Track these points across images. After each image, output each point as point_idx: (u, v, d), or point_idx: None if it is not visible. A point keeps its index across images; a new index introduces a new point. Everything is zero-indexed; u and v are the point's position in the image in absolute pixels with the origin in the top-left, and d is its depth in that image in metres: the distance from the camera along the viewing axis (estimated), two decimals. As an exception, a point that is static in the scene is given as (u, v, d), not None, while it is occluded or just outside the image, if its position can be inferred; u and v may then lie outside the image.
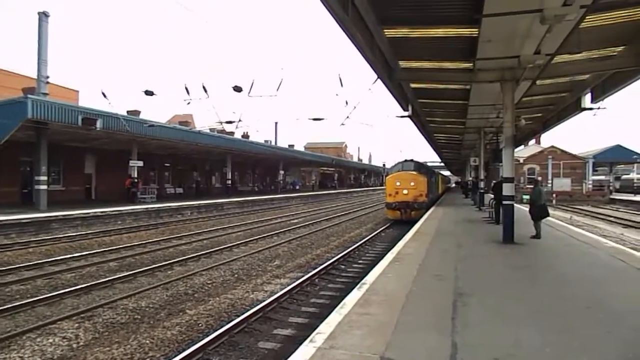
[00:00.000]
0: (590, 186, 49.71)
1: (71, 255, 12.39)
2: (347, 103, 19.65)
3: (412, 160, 23.93)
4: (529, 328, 4.86)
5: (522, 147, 51.26)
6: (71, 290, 8.75)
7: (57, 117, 19.26)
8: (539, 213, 12.00)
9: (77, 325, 6.96)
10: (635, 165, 64.10)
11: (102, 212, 20.05)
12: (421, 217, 18.67)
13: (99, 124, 20.92)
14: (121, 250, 13.62)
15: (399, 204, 21.27)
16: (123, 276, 10.05)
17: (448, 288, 6.57)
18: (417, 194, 21.27)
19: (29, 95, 18.89)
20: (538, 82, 11.88)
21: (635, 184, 58.62)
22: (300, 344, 4.50)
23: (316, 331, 4.76)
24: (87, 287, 9.04)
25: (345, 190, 63.78)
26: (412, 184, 21.46)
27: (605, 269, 8.37)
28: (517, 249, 10.52)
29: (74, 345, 6.18)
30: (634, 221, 25.28)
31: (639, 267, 8.33)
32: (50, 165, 21.92)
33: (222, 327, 6.66)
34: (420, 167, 23.67)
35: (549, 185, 47.28)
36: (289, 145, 60.00)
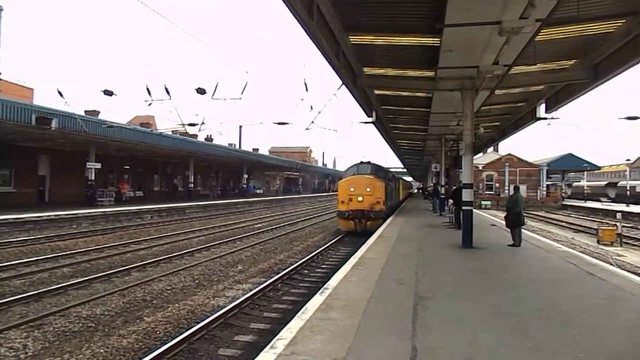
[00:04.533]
0: (544, 192, 51.81)
1: (21, 261, 11.78)
2: (312, 108, 19.65)
3: (368, 163, 21.25)
4: (486, 330, 4.99)
5: (481, 154, 52.89)
6: (20, 298, 8.31)
7: (8, 115, 18.36)
8: (514, 221, 11.92)
9: (25, 334, 6.62)
10: (585, 173, 67.48)
11: (56, 215, 19.22)
12: (378, 228, 16.65)
13: (54, 124, 20.09)
14: (76, 255, 13.07)
15: (353, 212, 18.67)
16: (77, 282, 9.65)
17: (409, 292, 6.67)
18: (374, 201, 18.82)
19: (-22, 92, 17.96)
20: (496, 91, 12.30)
21: (585, 191, 61.67)
22: (262, 350, 4.44)
23: (277, 337, 4.72)
24: (37, 294, 8.61)
25: (310, 195, 63.83)
26: (368, 189, 18.95)
27: (557, 272, 8.74)
28: (475, 254, 10.80)
29: (22, 356, 5.88)
30: (584, 226, 26.55)
31: (588, 270, 8.74)
32: (0, 166, 20.80)
33: (181, 334, 6.51)
34: (378, 171, 21.22)
35: (506, 191, 48.88)
36: (254, 149, 59.52)
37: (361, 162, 21.33)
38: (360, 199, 18.75)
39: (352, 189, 19.09)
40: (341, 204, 19.27)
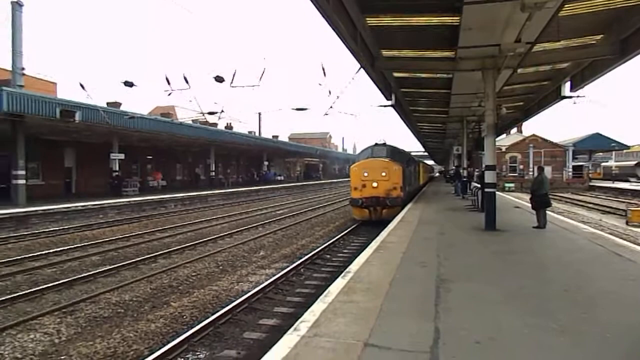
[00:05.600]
0: (570, 173, 50.60)
1: (52, 250, 12.18)
2: (330, 93, 19.21)
3: (384, 145, 19.21)
4: (509, 312, 4.95)
5: (504, 135, 51.87)
6: (52, 286, 8.61)
7: (34, 109, 18.79)
8: (540, 203, 11.77)
9: (58, 320, 6.87)
10: (614, 152, 65.57)
11: (83, 206, 19.74)
12: (395, 216, 15.21)
13: (77, 117, 20.48)
14: (104, 244, 13.44)
15: (367, 200, 17.10)
16: (106, 270, 9.93)
17: (431, 275, 6.64)
18: (390, 187, 17.16)
19: (4, 88, 18.29)
20: (519, 70, 11.98)
21: (613, 171, 59.99)
22: (286, 332, 4.51)
23: (300, 320, 4.77)
24: (68, 282, 8.91)
25: (330, 181, 63.81)
26: (384, 174, 17.28)
27: (584, 253, 8.57)
28: (498, 236, 10.67)
29: (56, 341, 6.10)
30: (612, 207, 25.87)
31: (616, 251, 8.53)
32: (28, 160, 21.35)
33: (207, 318, 6.65)
34: (395, 153, 19.23)
35: (530, 173, 47.94)
36: (273, 136, 59.72)
37: (376, 144, 19.36)
38: (375, 184, 17.22)
39: (365, 174, 17.47)
40: (354, 191, 17.62)
